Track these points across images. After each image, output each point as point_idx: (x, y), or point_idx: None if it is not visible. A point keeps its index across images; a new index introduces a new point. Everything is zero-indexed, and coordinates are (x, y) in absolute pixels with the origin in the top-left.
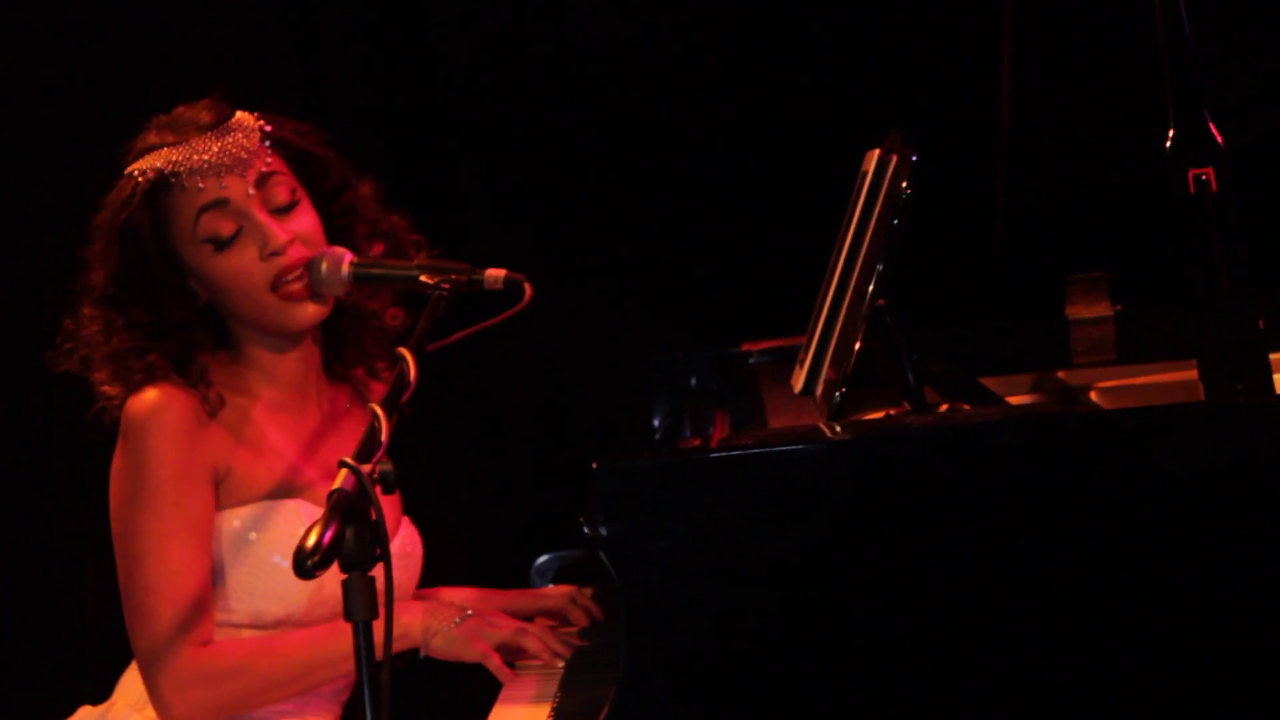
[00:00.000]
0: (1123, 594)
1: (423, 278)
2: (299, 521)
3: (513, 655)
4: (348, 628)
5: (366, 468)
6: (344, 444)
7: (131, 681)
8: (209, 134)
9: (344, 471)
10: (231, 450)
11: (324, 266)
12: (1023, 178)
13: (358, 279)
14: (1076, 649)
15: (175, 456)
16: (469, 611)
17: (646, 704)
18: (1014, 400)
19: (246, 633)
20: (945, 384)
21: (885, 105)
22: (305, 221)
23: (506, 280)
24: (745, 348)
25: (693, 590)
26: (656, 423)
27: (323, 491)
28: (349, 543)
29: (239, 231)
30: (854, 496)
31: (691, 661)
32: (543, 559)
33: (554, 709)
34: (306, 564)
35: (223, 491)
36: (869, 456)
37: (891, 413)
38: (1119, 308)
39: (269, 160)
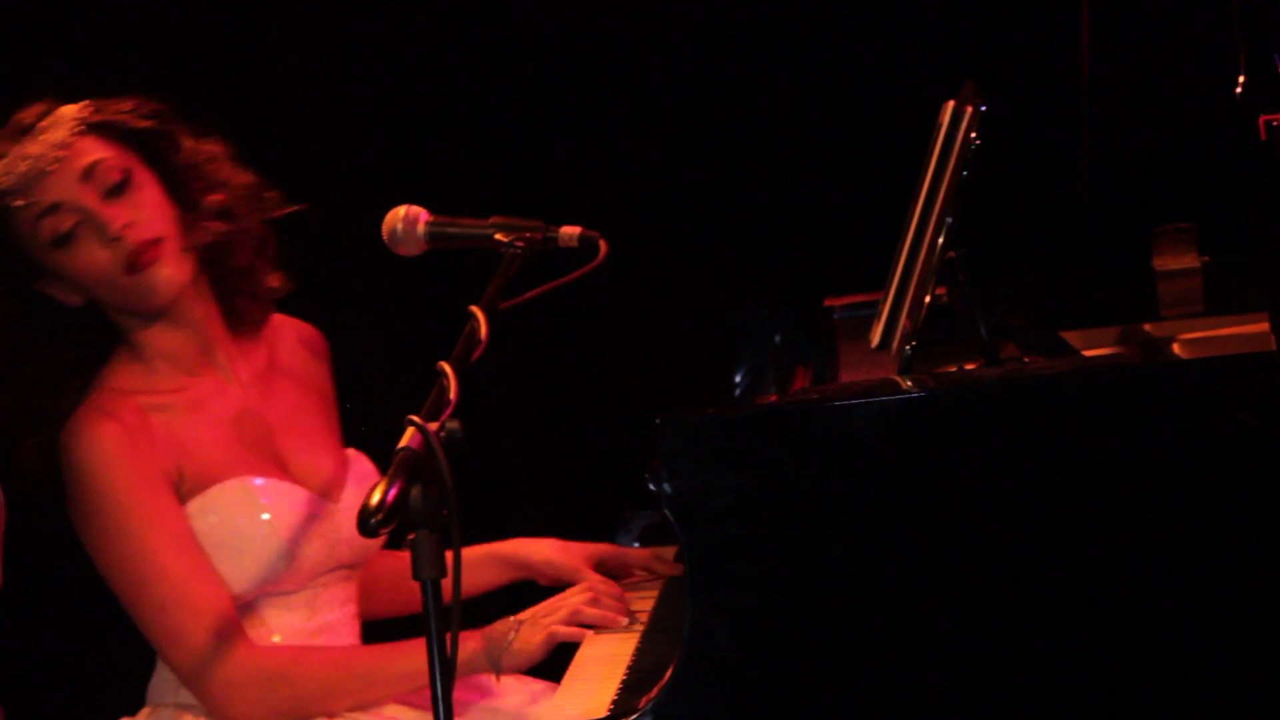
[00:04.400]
0: (1191, 542)
1: (498, 235)
2: (243, 494)
3: None
4: (411, 647)
5: (433, 426)
6: (274, 404)
7: (160, 681)
8: (25, 139)
9: (411, 430)
10: (172, 451)
11: (399, 227)
12: (1106, 127)
13: (433, 237)
14: (1151, 597)
15: (131, 476)
16: (521, 620)
17: (711, 661)
18: (1097, 353)
19: None
20: (1025, 337)
21: (967, 57)
22: (143, 197)
23: (581, 237)
24: (828, 303)
25: (756, 546)
26: (738, 379)
27: (264, 462)
28: (415, 500)
29: (79, 224)
30: (916, 450)
31: (755, 618)
32: (629, 517)
33: (630, 665)
34: (370, 521)
35: (182, 492)
36: (930, 410)
37: (967, 367)
38: (1206, 259)
39: (91, 147)
